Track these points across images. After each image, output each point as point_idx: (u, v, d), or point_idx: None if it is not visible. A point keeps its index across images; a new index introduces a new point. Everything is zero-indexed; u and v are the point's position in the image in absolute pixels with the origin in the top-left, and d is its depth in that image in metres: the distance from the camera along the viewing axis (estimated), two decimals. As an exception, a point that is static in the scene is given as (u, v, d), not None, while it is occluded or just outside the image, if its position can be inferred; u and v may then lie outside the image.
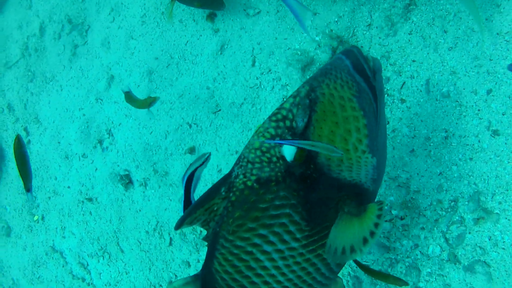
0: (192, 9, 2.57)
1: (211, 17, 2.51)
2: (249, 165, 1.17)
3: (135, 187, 2.68)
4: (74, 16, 3.08)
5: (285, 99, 1.53)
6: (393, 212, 2.02)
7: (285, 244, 1.21)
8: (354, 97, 1.16)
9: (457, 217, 1.92)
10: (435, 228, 1.94)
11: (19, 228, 3.44)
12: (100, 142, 2.85)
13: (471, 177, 1.91)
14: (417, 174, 2.00)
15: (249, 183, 1.17)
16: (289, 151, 1.13)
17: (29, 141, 3.31)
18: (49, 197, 3.20)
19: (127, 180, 2.69)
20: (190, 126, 2.52)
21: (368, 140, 1.17)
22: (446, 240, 1.91)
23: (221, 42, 2.47)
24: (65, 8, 3.16)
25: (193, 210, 1.22)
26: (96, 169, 2.87)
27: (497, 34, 1.98)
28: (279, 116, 1.16)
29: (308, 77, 2.18)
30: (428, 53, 2.06)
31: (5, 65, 3.53)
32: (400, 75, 2.08)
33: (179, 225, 1.22)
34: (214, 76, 2.48)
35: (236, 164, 1.21)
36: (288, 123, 1.15)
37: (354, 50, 1.20)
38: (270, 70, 2.35)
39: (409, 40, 2.10)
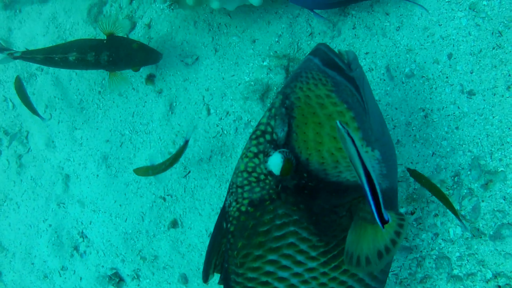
0: (129, 78, 2.61)
1: (150, 79, 2.55)
2: (239, 190, 1.17)
3: (128, 283, 2.64)
4: (9, 125, 3.09)
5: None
6: (402, 210, 2.03)
7: (302, 266, 1.19)
8: (331, 92, 1.16)
9: (465, 190, 1.95)
10: (447, 210, 1.95)
11: None
12: (76, 248, 2.81)
13: (464, 145, 1.96)
14: (411, 163, 2.04)
15: (243, 208, 1.17)
16: (275, 165, 1.12)
17: (0, 273, 3.23)
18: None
19: (117, 279, 2.64)
20: (164, 199, 2.52)
21: (362, 133, 1.16)
22: (463, 217, 1.92)
23: (168, 101, 2.51)
24: (-2, 121, 3.18)
25: (210, 258, 1.22)
26: (81, 278, 2.82)
27: (437, -1, 2.07)
28: (258, 132, 1.17)
29: (269, 104, 2.22)
30: (378, 41, 2.13)
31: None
32: (358, 71, 2.14)
33: (206, 278, 1.23)
34: (172, 139, 2.50)
35: (227, 193, 1.21)
36: (268, 137, 1.16)
37: (321, 47, 1.21)
38: (228, 113, 2.38)
39: (355, 35, 2.18)
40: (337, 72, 1.19)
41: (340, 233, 1.20)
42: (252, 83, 2.25)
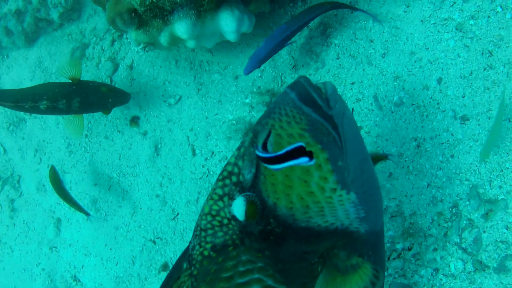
0: (113, 121, 2.30)
1: (134, 121, 2.24)
2: (202, 233, 1.01)
3: (123, 326, 2.29)
4: (1, 170, 2.77)
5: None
6: (398, 246, 1.73)
7: None
8: (305, 131, 0.98)
9: (465, 222, 1.67)
10: (447, 243, 1.69)
11: None
12: (68, 293, 2.46)
13: (460, 174, 1.69)
14: (405, 196, 1.74)
15: (205, 253, 1.01)
16: (238, 210, 0.96)
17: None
18: None
19: (111, 323, 2.30)
20: (154, 242, 2.19)
21: (336, 176, 0.97)
22: (464, 250, 1.65)
23: (153, 143, 2.19)
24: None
25: None
26: (77, 322, 2.47)
27: (421, 21, 1.79)
28: (225, 173, 1.01)
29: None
30: (364, 69, 1.85)
31: None
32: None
33: None
34: (159, 181, 2.18)
35: (192, 235, 1.05)
36: (234, 178, 0.99)
37: (301, 80, 1.03)
38: (213, 153, 2.07)
39: (340, 65, 1.88)
40: (313, 109, 0.99)
41: (311, 281, 1.02)
42: (234, 122, 1.95)
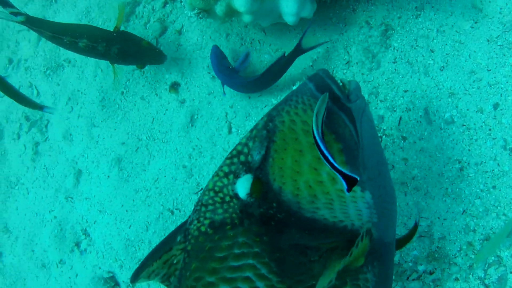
0: (153, 84, 2.31)
1: (174, 87, 2.24)
2: (203, 208, 1.01)
3: (123, 289, 2.32)
4: (32, 112, 2.80)
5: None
6: (420, 267, 1.71)
7: None
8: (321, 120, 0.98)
9: (493, 258, 1.64)
10: (470, 276, 1.67)
11: None
12: (77, 244, 2.50)
13: (499, 207, 1.65)
14: (438, 218, 1.72)
15: (202, 228, 1.00)
16: (242, 187, 0.97)
17: (0, 254, 2.93)
18: None
19: (112, 283, 2.33)
20: (172, 212, 2.20)
21: (349, 169, 0.97)
22: (486, 286, 1.62)
23: (190, 113, 2.19)
24: (21, 106, 2.88)
25: (148, 262, 1.06)
26: (77, 275, 2.51)
27: (488, 40, 1.74)
28: (234, 152, 1.01)
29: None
30: (419, 79, 1.81)
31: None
32: (395, 111, 1.81)
33: (134, 279, 1.07)
34: (189, 153, 2.18)
35: (193, 209, 1.05)
36: (243, 158, 0.99)
37: (320, 72, 1.05)
38: (250, 134, 2.05)
39: (395, 70, 1.85)
40: (331, 99, 1.01)
41: (308, 280, 0.98)
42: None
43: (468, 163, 1.68)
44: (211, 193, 1.01)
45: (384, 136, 1.81)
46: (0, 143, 2.98)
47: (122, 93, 2.40)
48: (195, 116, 2.18)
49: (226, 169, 1.00)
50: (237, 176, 0.98)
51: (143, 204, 2.26)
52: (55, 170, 2.64)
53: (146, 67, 2.25)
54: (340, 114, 1.00)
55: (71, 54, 2.62)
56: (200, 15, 1.85)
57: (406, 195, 1.74)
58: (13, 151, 2.89)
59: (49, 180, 2.66)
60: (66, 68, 2.67)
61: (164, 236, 2.12)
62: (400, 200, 1.74)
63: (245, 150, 1.00)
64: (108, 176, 2.37)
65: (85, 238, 2.47)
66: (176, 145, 2.21)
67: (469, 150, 1.69)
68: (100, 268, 2.39)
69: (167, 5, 2.34)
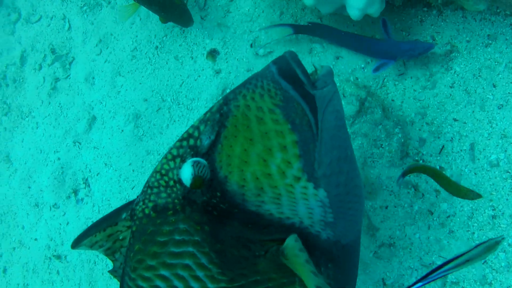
0: (190, 46, 2.25)
1: (212, 55, 2.18)
2: (149, 190, 1.01)
3: (111, 249, 2.30)
4: (59, 45, 2.77)
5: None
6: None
7: None
8: (276, 107, 0.94)
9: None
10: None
11: None
12: (75, 192, 2.48)
13: None
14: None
15: (146, 211, 1.00)
16: (186, 173, 0.93)
17: (-4, 182, 2.95)
18: (14, 248, 2.82)
19: (101, 241, 2.31)
20: (180, 183, 2.15)
21: (302, 163, 0.93)
22: None
23: (222, 85, 2.13)
24: (49, 37, 2.85)
25: (92, 231, 1.08)
26: (68, 223, 2.50)
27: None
28: (185, 134, 0.99)
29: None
30: (473, 111, 1.73)
31: (-21, 96, 3.20)
32: (439, 138, 1.74)
33: (75, 244, 1.10)
34: (212, 126, 2.12)
35: (142, 189, 1.05)
36: (192, 141, 0.98)
37: (286, 54, 0.98)
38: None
39: (450, 95, 1.78)
40: (293, 85, 0.95)
41: (251, 274, 0.98)
42: (318, 103, 1.87)
43: (503, 213, 1.62)
44: (158, 176, 1.00)
45: (421, 161, 1.74)
46: (21, 70, 2.96)
47: (156, 47, 2.35)
48: (228, 90, 2.12)
49: (174, 151, 0.99)
50: (183, 160, 0.97)
51: (152, 167, 2.22)
52: (69, 111, 2.62)
53: (188, 28, 2.20)
54: (301, 102, 0.95)
55: (112, -5, 2.58)
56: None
57: (429, 229, 1.68)
58: (32, 81, 2.87)
59: (61, 119, 2.64)
60: (104, 8, 2.63)
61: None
62: (422, 232, 1.68)
63: (196, 133, 0.98)
64: (122, 130, 2.34)
65: (85, 188, 2.45)
66: (200, 114, 2.16)
67: (507, 199, 1.62)
68: (92, 222, 2.37)
69: (224, -34, 2.28)
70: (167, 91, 2.26)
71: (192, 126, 0.99)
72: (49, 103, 2.72)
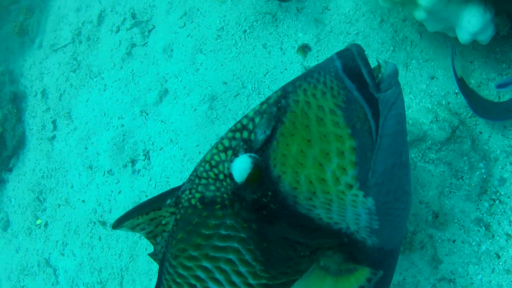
0: (281, 36, 2.21)
1: (303, 50, 2.13)
2: (196, 180, 1.01)
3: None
4: (140, 11, 2.77)
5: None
6: None
7: (235, 287, 1.02)
8: (338, 108, 0.91)
9: None
10: None
11: (18, 226, 3.15)
12: (133, 162, 2.48)
13: None
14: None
15: (193, 201, 1.01)
16: (239, 169, 0.93)
17: (54, 136, 2.98)
18: (59, 205, 2.86)
19: (152, 217, 2.30)
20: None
21: (357, 171, 0.92)
22: None
23: (308, 82, 2.08)
24: (131, 1, 2.86)
25: (134, 214, 1.09)
26: (120, 191, 2.50)
27: None
28: (238, 125, 0.97)
29: (416, 153, 1.79)
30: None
31: (52, 46, 3.25)
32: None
33: (116, 225, 1.11)
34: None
35: (189, 176, 1.06)
36: (246, 134, 0.95)
37: (352, 48, 0.91)
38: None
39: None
40: (357, 85, 0.90)
41: (293, 273, 1.01)
42: (410, 121, 1.80)
43: None
44: (207, 166, 0.99)
45: (497, 201, 1.67)
46: (97, 29, 2.99)
47: (245, 31, 2.32)
48: (314, 90, 2.07)
49: (226, 142, 0.97)
50: (235, 154, 0.95)
51: (220, 153, 2.20)
52: (141, 79, 2.62)
53: (280, 15, 2.14)
54: (363, 105, 0.90)
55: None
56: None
57: (493, 272, 1.62)
58: (106, 42, 2.89)
59: (131, 86, 2.64)
60: (197, -19, 2.61)
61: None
62: (485, 274, 1.65)
63: (250, 126, 0.95)
64: (195, 109, 2.32)
65: (144, 160, 2.45)
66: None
67: None
68: (146, 196, 2.37)
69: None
70: (249, 78, 2.23)
71: (246, 117, 0.96)
72: (121, 67, 2.72)
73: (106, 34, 2.91)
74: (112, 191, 2.53)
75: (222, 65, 2.32)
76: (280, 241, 0.98)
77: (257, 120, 0.94)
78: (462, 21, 1.61)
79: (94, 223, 2.62)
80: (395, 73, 0.93)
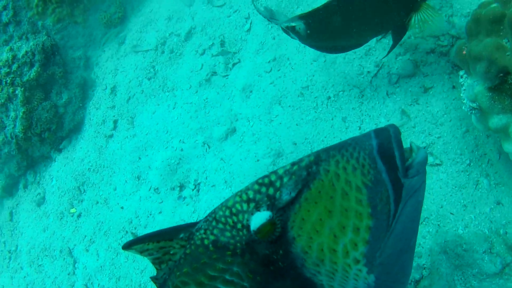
0: (364, 115, 2.23)
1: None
2: (214, 223, 1.04)
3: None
4: (230, 40, 2.83)
5: None
6: None
7: None
8: (365, 187, 0.94)
9: None
10: None
11: (52, 207, 3.25)
12: (181, 188, 2.53)
13: None
14: None
15: (205, 242, 1.04)
16: (256, 223, 0.96)
17: (111, 135, 3.06)
18: (97, 202, 2.93)
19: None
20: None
21: (367, 249, 0.96)
22: None
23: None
24: (224, 28, 2.93)
25: (145, 240, 1.13)
26: (161, 212, 2.55)
27: None
28: (266, 180, 0.99)
29: (460, 276, 1.77)
30: None
31: (134, 47, 3.35)
32: None
33: (127, 246, 1.14)
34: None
35: (207, 215, 1.08)
36: (271, 191, 0.98)
37: (390, 129, 0.96)
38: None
39: None
40: (387, 168, 0.94)
41: None
42: (463, 244, 1.78)
43: None
44: (227, 212, 1.02)
45: None
46: (182, 45, 3.06)
47: (329, 98, 2.33)
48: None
49: (251, 194, 1.00)
50: (257, 208, 0.98)
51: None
52: (212, 109, 2.66)
53: (368, 93, 2.14)
54: (389, 189, 0.94)
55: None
56: (474, 111, 1.74)
57: None
58: (189, 61, 2.96)
59: (201, 114, 2.69)
60: (292, 32, 2.65)
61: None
62: None
63: (277, 183, 0.98)
64: (258, 160, 2.34)
65: (192, 190, 2.48)
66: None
67: None
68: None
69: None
70: (320, 147, 2.24)
71: (275, 173, 0.99)
72: (197, 92, 2.78)
73: (190, 52, 2.98)
74: (153, 209, 2.57)
75: (297, 124, 2.34)
76: None
77: (285, 179, 0.98)
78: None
79: (126, 232, 2.67)
80: (425, 161, 0.97)
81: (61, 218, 3.12)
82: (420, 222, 1.95)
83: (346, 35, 2.01)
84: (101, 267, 2.72)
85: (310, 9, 2.01)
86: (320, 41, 2.05)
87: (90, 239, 2.86)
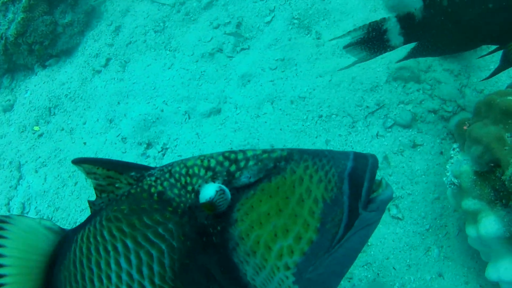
0: (348, 144, 2.22)
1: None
2: (167, 175, 1.05)
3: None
4: (247, 25, 2.81)
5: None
6: None
7: (141, 278, 1.05)
8: (323, 202, 0.94)
9: None
10: None
11: (17, 118, 3.21)
12: (148, 145, 2.53)
13: None
14: None
15: (152, 190, 1.05)
16: (206, 194, 0.94)
17: (99, 71, 3.02)
18: (63, 129, 2.94)
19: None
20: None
21: (302, 260, 0.95)
22: None
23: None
24: (246, 11, 2.90)
25: (97, 162, 1.14)
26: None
27: None
28: (232, 156, 1.00)
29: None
30: None
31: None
32: None
33: (77, 161, 1.14)
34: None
35: (165, 165, 1.09)
36: (233, 168, 0.99)
37: (370, 159, 0.96)
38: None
39: None
40: (351, 193, 0.94)
41: None
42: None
43: None
44: (183, 171, 1.02)
45: None
46: (199, 12, 3.02)
47: (320, 116, 2.33)
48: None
49: (212, 163, 1.00)
50: (213, 179, 0.98)
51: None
52: (205, 85, 2.65)
53: (360, 126, 2.14)
54: (345, 212, 0.94)
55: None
56: (453, 187, 1.77)
57: None
58: (200, 29, 2.93)
59: (193, 84, 2.67)
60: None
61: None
62: None
63: (242, 164, 0.98)
64: (231, 148, 2.34)
65: (158, 152, 2.47)
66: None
67: None
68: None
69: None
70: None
71: (243, 153, 0.99)
72: (197, 61, 2.77)
73: (204, 22, 2.95)
74: (114, 156, 2.54)
75: (281, 129, 2.34)
76: (202, 268, 1.01)
77: (251, 163, 0.98)
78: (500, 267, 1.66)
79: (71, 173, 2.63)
80: (388, 200, 0.98)
81: (22, 131, 3.05)
82: (362, 265, 1.97)
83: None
84: (44, 192, 2.68)
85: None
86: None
87: (43, 162, 2.81)
